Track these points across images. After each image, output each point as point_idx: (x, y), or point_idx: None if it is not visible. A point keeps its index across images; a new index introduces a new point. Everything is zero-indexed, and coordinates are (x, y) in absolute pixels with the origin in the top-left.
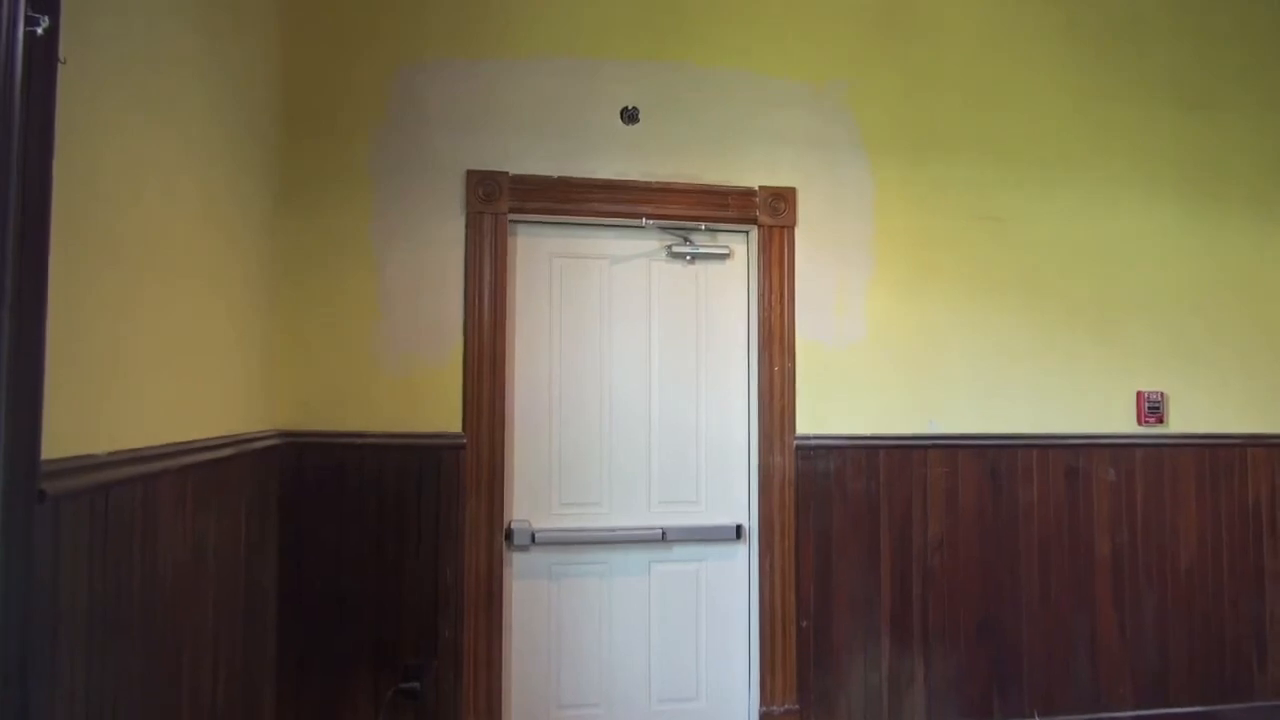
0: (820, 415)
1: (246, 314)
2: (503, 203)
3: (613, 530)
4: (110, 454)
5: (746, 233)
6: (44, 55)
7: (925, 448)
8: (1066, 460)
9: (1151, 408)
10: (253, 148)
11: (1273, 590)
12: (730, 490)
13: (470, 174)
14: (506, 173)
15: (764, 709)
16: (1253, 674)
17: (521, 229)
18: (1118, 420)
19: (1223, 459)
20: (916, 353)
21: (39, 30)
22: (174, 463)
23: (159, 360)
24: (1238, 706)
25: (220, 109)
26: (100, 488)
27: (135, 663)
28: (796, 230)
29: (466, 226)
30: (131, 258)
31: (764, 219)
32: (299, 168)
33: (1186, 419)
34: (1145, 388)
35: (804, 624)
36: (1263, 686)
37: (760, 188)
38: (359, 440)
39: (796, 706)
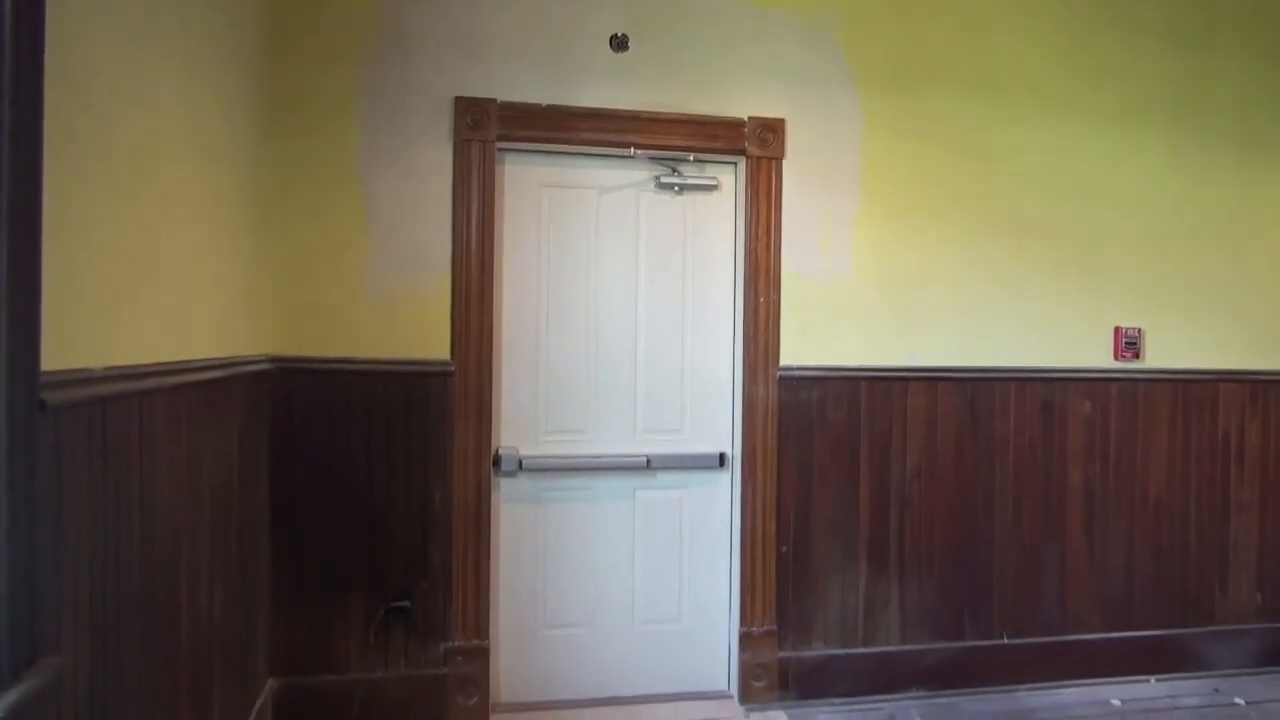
0: (804, 347)
1: (235, 237)
2: (491, 130)
3: (599, 457)
4: (106, 369)
5: (734, 164)
6: None
7: (906, 379)
8: (1043, 393)
9: (1128, 343)
10: (239, 71)
11: (1237, 520)
12: (714, 419)
13: (459, 101)
14: (495, 100)
15: (743, 630)
16: (1214, 599)
17: (510, 157)
18: (1095, 355)
19: (1195, 394)
20: (900, 285)
21: None
22: (168, 380)
23: (149, 280)
24: (1198, 630)
25: (205, 30)
26: (97, 401)
27: (136, 576)
28: (784, 162)
29: (454, 154)
30: (121, 175)
31: (752, 150)
32: (286, 93)
33: (1162, 354)
34: (1123, 323)
35: (784, 549)
36: (1223, 611)
37: (749, 118)
38: (348, 366)
39: (775, 628)
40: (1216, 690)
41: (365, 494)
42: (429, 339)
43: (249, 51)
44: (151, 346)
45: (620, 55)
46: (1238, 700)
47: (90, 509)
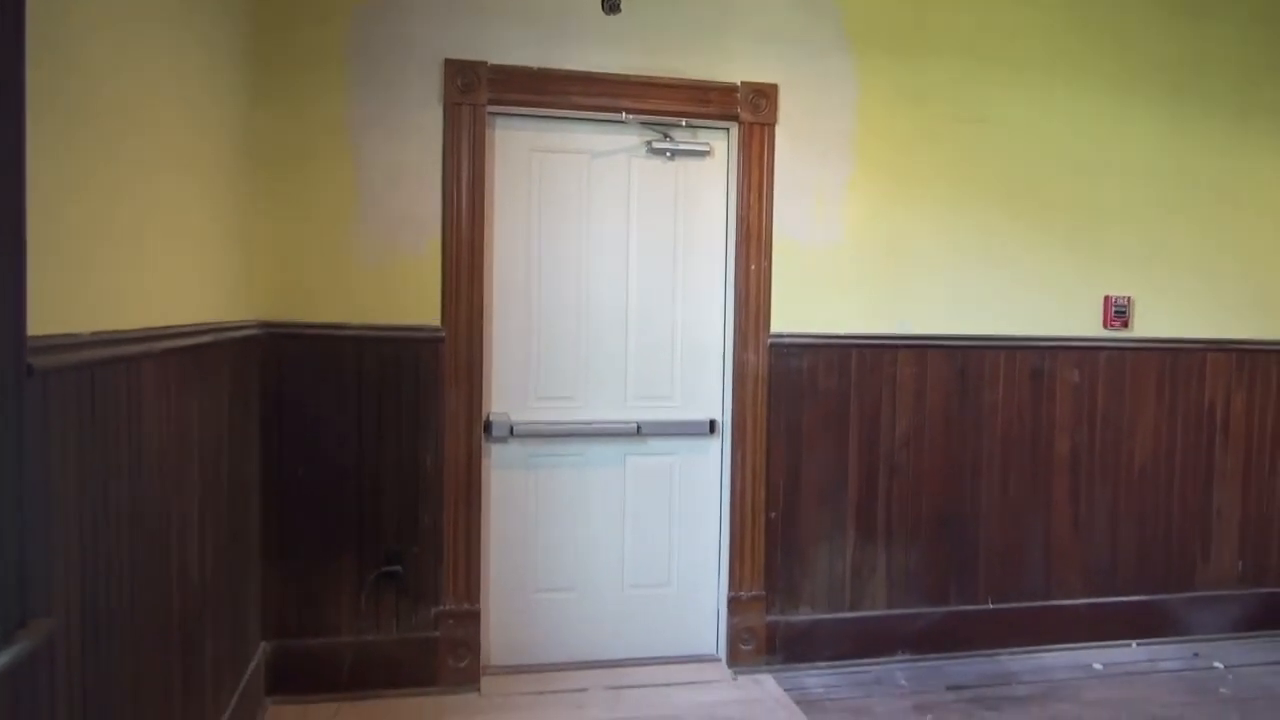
0: (795, 314)
1: (224, 200)
2: (481, 94)
3: (589, 424)
4: (93, 334)
5: (727, 130)
6: None
7: (896, 347)
8: (1032, 362)
9: (1118, 311)
10: (228, 29)
11: (1221, 489)
12: (705, 386)
13: (449, 63)
14: (485, 62)
15: (732, 594)
16: (1196, 566)
17: (500, 121)
18: (1084, 323)
19: (1183, 363)
20: (892, 253)
21: None
22: (156, 346)
23: (138, 244)
24: (1180, 596)
25: None
26: (85, 366)
27: (125, 540)
28: (777, 128)
29: (445, 117)
30: (108, 137)
31: (745, 116)
32: (275, 55)
33: (1151, 324)
34: (1113, 292)
35: (773, 515)
36: (1205, 577)
37: (742, 83)
38: (338, 332)
39: (763, 593)
40: (1196, 655)
41: (356, 460)
42: (419, 304)
43: (238, 9)
44: (140, 311)
45: (612, 18)
46: (1216, 664)
47: (79, 473)
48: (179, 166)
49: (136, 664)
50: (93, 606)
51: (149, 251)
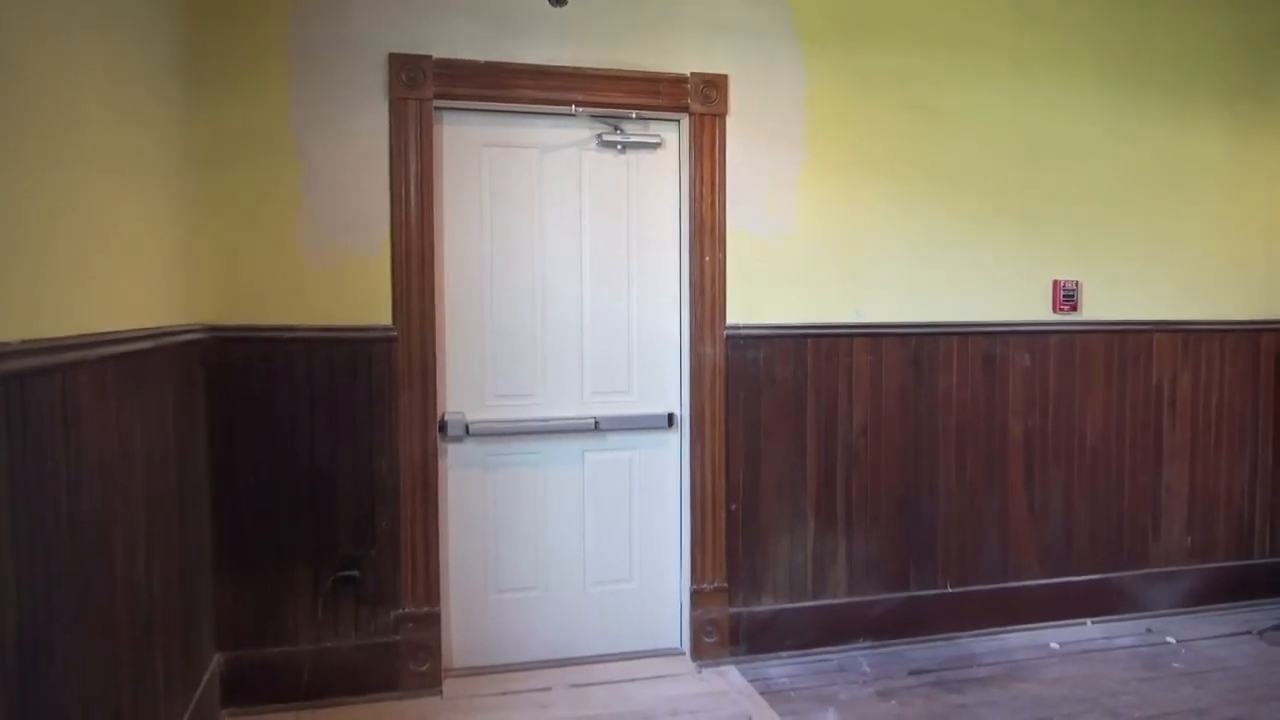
0: (750, 305)
1: (164, 203)
2: (428, 89)
3: (547, 420)
4: (23, 342)
5: (678, 121)
6: None
7: (851, 336)
8: (985, 347)
9: (1066, 295)
10: (163, 24)
11: (1169, 466)
12: (662, 380)
13: (393, 58)
14: (430, 56)
15: (694, 587)
16: (1148, 543)
17: (448, 116)
18: (1034, 308)
19: (1130, 344)
20: (845, 242)
21: None
22: (93, 353)
23: (73, 249)
24: (1133, 573)
25: None
26: (14, 376)
27: (65, 551)
28: (728, 119)
29: (391, 114)
30: (40, 142)
31: (696, 107)
32: (214, 53)
33: (1099, 307)
34: (1061, 276)
35: (733, 507)
36: (1156, 554)
37: (692, 74)
38: (287, 334)
39: (725, 584)
40: (1149, 630)
41: (309, 464)
42: (370, 304)
43: (174, 6)
44: (76, 318)
45: (560, 10)
46: (1169, 639)
47: (10, 486)
48: (116, 169)
49: (81, 683)
50: (30, 624)
51: (85, 257)
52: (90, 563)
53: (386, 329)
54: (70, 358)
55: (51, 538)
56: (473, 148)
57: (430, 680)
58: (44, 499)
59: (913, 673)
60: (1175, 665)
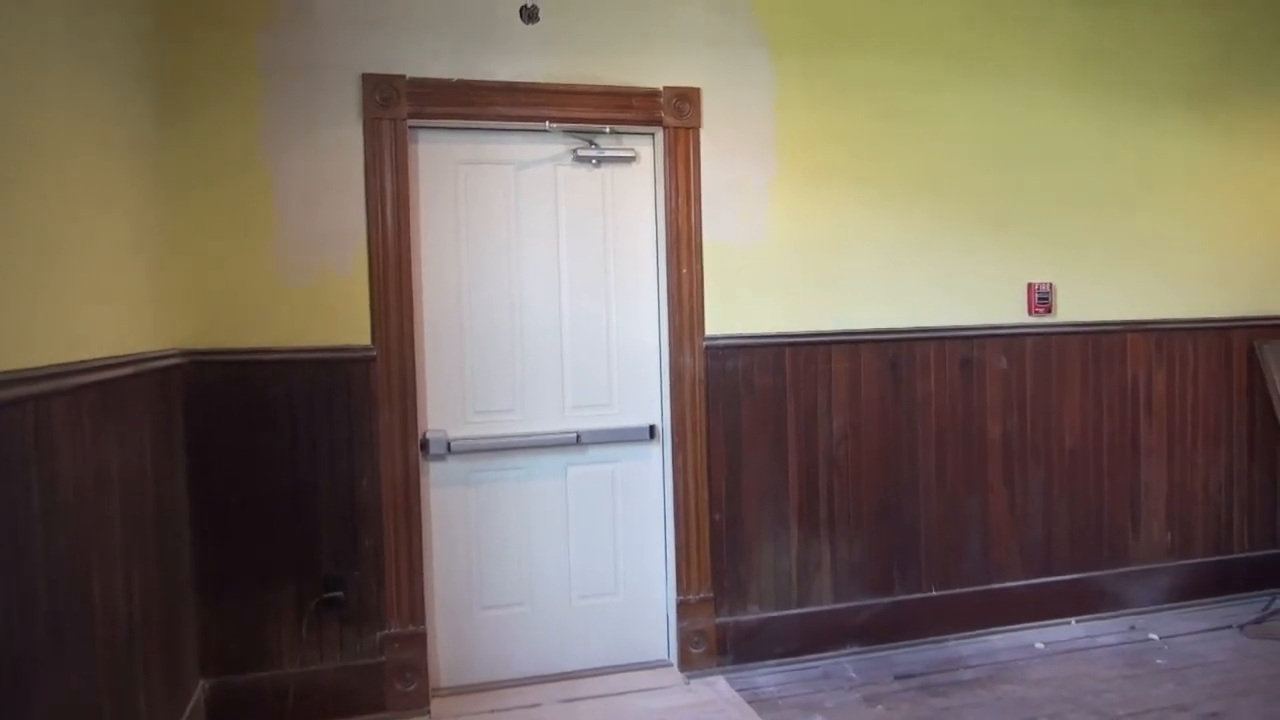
0: (728, 315)
1: (136, 227)
2: (402, 108)
3: (528, 436)
4: None
5: (652, 135)
6: None
7: (829, 344)
8: (962, 351)
9: (1041, 298)
10: (131, 46)
11: (1147, 464)
12: (642, 392)
13: (366, 78)
14: (404, 76)
15: (680, 599)
16: (1128, 541)
17: (423, 134)
18: (1010, 311)
19: (1105, 345)
20: (820, 250)
21: None
22: (65, 383)
23: (43, 278)
24: (1113, 571)
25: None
26: None
27: (40, 580)
28: (702, 131)
29: (365, 133)
30: (4, 169)
31: (669, 120)
32: (183, 75)
33: (1073, 308)
34: (1036, 279)
35: (717, 517)
36: (1136, 552)
37: (665, 88)
38: (265, 356)
39: (711, 595)
40: (1132, 628)
41: (291, 486)
42: (348, 324)
43: (140, 24)
44: (49, 347)
45: (531, 27)
46: (1152, 636)
47: None
48: (87, 193)
49: (62, 707)
50: (7, 649)
51: (58, 284)
52: (67, 592)
53: (365, 349)
54: (43, 388)
55: (26, 568)
56: (448, 165)
57: (418, 700)
58: (17, 528)
59: (899, 677)
60: (1158, 662)
